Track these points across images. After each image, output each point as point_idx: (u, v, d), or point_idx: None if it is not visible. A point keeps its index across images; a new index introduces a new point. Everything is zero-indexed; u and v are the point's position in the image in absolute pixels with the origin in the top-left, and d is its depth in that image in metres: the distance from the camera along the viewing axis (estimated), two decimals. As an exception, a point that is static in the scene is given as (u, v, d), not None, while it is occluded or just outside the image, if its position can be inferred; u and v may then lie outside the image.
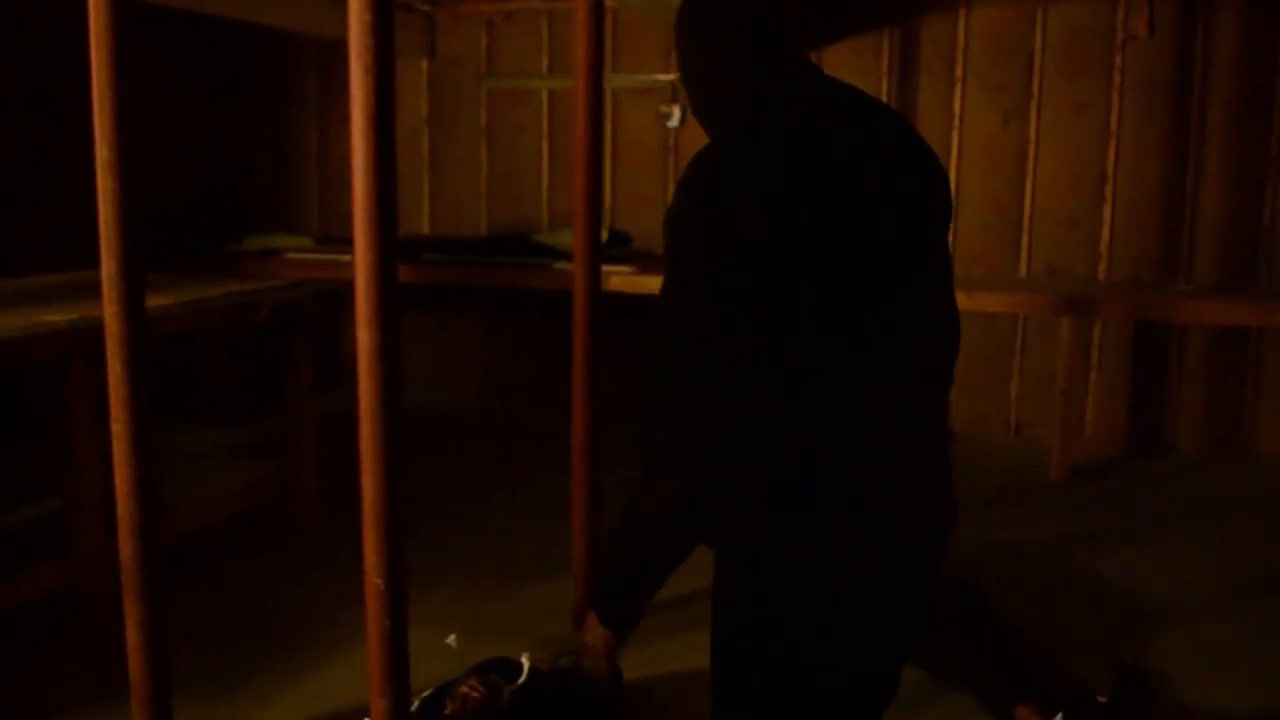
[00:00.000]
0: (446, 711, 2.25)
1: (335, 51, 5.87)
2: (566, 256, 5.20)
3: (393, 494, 2.10)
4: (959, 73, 5.26)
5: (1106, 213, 5.15)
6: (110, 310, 2.29)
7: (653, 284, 5.06)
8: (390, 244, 2.06)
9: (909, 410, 1.68)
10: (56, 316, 2.92)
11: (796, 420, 1.57)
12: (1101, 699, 2.60)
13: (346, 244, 6.11)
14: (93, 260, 2.32)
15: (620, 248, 5.39)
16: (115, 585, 2.42)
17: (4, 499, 3.53)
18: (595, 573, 1.79)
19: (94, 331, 2.45)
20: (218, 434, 5.02)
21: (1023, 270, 5.27)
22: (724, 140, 1.71)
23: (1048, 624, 3.19)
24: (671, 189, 5.61)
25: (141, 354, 2.32)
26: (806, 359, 1.55)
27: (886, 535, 1.66)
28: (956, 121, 5.28)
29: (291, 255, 5.53)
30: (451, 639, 2.39)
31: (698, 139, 5.92)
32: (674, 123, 5.61)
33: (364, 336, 2.05)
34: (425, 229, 6.06)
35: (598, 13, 3.03)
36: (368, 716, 2.24)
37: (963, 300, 4.93)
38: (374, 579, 2.13)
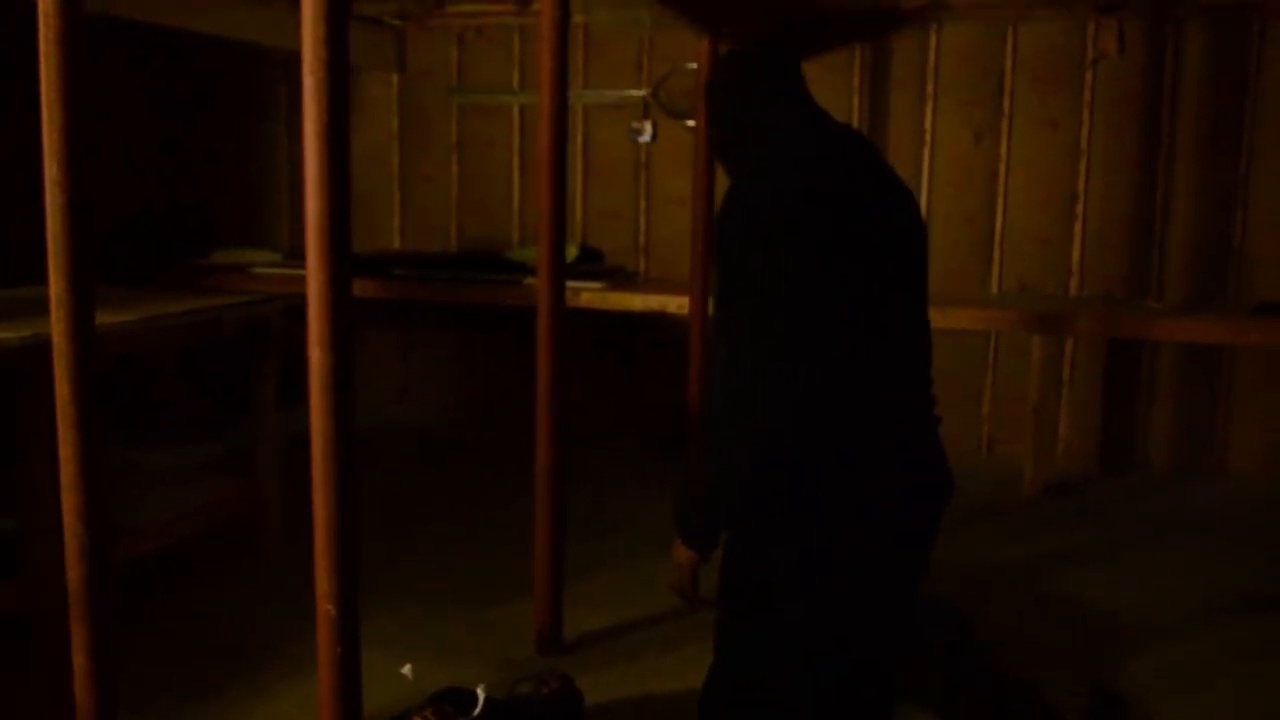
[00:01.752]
0: (400, 740, 2.21)
1: (305, 65, 5.83)
2: (535, 272, 5.16)
3: (345, 518, 2.06)
4: (930, 90, 5.26)
5: (1077, 230, 5.15)
6: (58, 329, 2.24)
7: (624, 301, 5.04)
8: (343, 261, 2.03)
9: (912, 398, 2.00)
10: (8, 334, 2.86)
11: (835, 400, 1.87)
12: (1071, 721, 2.59)
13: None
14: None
15: (591, 264, 5.37)
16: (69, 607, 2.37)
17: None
18: (675, 505, 2.07)
19: (47, 349, 2.40)
20: (181, 450, 4.95)
21: (994, 287, 5.27)
22: (753, 173, 1.98)
23: (1021, 643, 3.17)
24: (644, 205, 5.60)
25: (90, 375, 2.27)
26: (839, 351, 1.87)
27: (903, 498, 1.96)
28: (928, 138, 5.27)
29: (259, 270, 5.47)
30: (407, 669, 2.35)
31: (669, 155, 5.87)
32: (646, 138, 5.58)
33: (316, 355, 2.01)
34: (396, 244, 6.01)
35: (562, 27, 3.01)
36: (320, 745, 2.19)
37: (936, 318, 4.89)
38: (325, 605, 2.09)
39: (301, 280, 5.55)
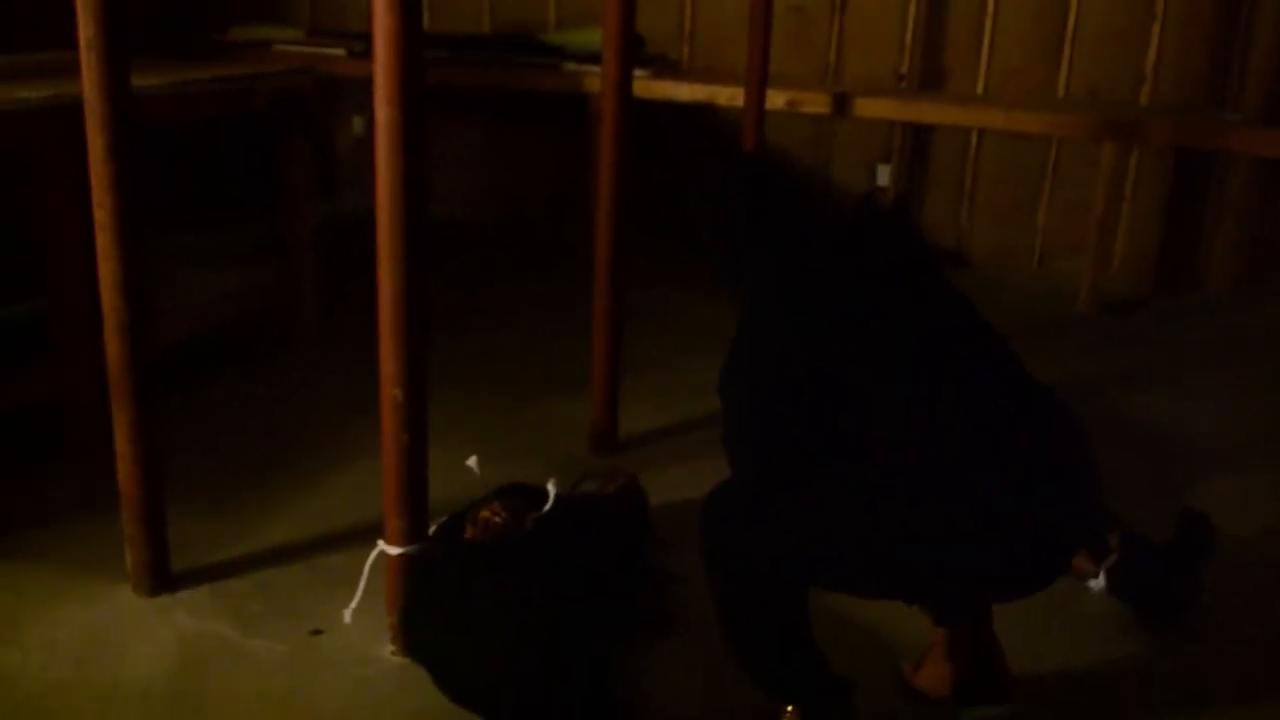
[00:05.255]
0: (466, 536, 2.08)
1: None
2: (575, 57, 4.88)
3: (413, 294, 1.89)
4: None
5: (1155, 31, 4.81)
6: (89, 78, 2.03)
7: (670, 90, 4.78)
8: (415, 10, 1.80)
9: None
10: (30, 93, 2.63)
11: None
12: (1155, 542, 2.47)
13: (340, 37, 5.69)
14: (72, 39, 2.03)
15: (634, 49, 5.04)
16: (105, 390, 2.21)
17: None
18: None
19: (73, 110, 2.18)
20: (207, 236, 4.73)
21: (1060, 90, 4.96)
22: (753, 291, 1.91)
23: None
24: (691, -11, 5.26)
25: (127, 128, 2.05)
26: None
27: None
28: (1000, -76, 4.89)
29: (281, 47, 5.16)
30: (472, 460, 2.21)
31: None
32: (695, -84, 5.19)
33: (384, 114, 1.80)
34: (423, 25, 5.66)
35: None
36: (381, 539, 2.07)
37: (998, 119, 4.64)
38: (391, 389, 1.93)
39: (325, 59, 5.25)
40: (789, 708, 1.87)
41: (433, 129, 5.57)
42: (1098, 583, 2.46)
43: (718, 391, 1.84)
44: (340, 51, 5.02)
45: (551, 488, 2.17)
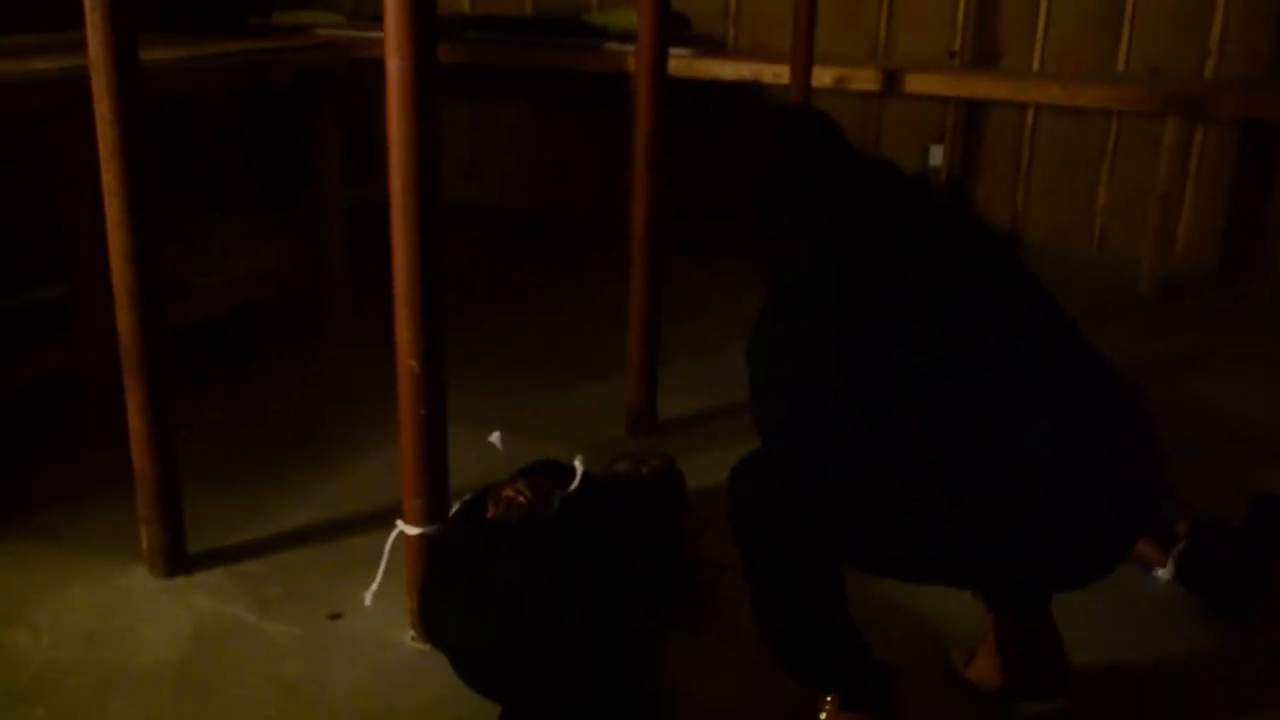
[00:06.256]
0: (488, 515, 1.98)
1: None
2: (618, 37, 4.77)
3: (428, 260, 1.79)
4: None
5: (1219, 4, 4.61)
6: (95, 39, 1.94)
7: (713, 69, 4.66)
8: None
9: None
10: (46, 64, 2.57)
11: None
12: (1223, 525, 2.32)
13: (382, 21, 5.61)
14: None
15: (676, 29, 4.92)
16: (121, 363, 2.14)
17: (13, 276, 3.23)
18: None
19: (89, 82, 2.11)
20: (241, 220, 4.68)
21: (1120, 66, 4.78)
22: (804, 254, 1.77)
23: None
24: (736, -34, 5.13)
25: (135, 92, 1.98)
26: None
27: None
28: (1059, -108, 4.71)
29: (322, 31, 5.10)
30: (495, 437, 2.10)
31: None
32: (741, -108, 5.06)
33: (394, 65, 1.70)
34: (465, 6, 5.59)
35: None
36: (400, 519, 1.97)
37: (1055, 93, 4.44)
38: (408, 361, 1.84)
39: (366, 43, 5.16)
40: (828, 697, 1.76)
41: (475, 114, 5.49)
42: (1165, 572, 2.31)
43: (746, 359, 1.71)
44: (380, 35, 4.94)
45: (579, 465, 2.06)
